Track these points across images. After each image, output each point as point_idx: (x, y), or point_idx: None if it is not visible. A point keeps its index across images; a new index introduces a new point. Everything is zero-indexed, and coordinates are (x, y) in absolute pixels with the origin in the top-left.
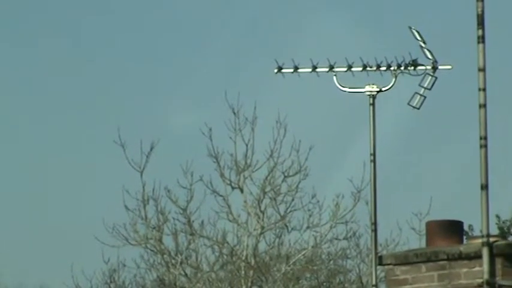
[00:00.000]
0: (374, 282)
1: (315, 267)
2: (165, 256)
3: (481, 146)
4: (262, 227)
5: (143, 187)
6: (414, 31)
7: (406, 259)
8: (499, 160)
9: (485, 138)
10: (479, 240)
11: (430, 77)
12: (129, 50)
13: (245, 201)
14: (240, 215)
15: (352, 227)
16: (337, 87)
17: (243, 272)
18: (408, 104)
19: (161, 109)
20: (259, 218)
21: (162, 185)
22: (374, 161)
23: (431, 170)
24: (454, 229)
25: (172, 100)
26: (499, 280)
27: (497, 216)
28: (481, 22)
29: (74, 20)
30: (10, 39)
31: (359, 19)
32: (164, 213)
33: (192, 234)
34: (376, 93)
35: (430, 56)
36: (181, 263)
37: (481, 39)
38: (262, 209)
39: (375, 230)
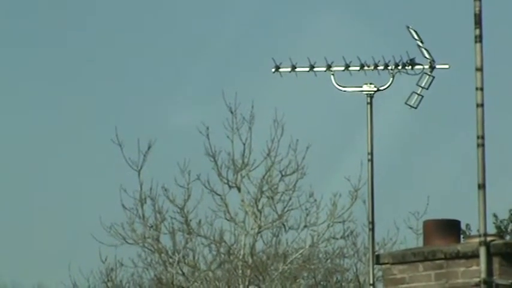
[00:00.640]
0: (371, 282)
1: (312, 266)
2: (162, 255)
3: (478, 145)
4: (260, 226)
5: (141, 186)
6: (412, 30)
7: (404, 258)
8: (496, 159)
9: (483, 137)
10: (477, 240)
11: (427, 77)
12: (127, 50)
13: (242, 200)
14: (238, 214)
15: (349, 226)
16: (335, 86)
17: (240, 271)
18: (406, 103)
19: (159, 108)
20: (256, 217)
21: (160, 184)
22: (371, 160)
23: (428, 169)
24: (451, 228)
25: (170, 99)
26: (496, 279)
27: (495, 216)
28: (478, 21)
29: (74, 19)
30: (7, 37)
31: (356, 18)
32: (161, 212)
33: (189, 233)
34: (373, 92)
35: (427, 56)
36: (178, 262)
37: (478, 38)
38: (260, 208)
39: (372, 229)
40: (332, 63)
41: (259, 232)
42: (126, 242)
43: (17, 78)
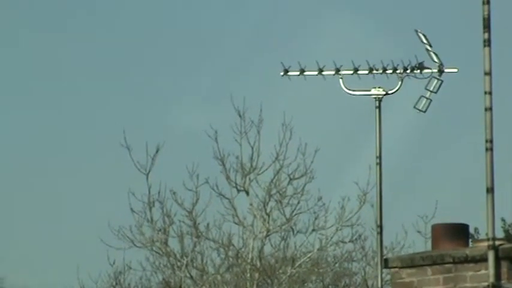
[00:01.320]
0: (380, 285)
1: (321, 270)
2: (170, 258)
3: (486, 149)
4: (268, 230)
5: (149, 189)
6: (420, 34)
7: (412, 262)
8: (505, 163)
9: (491, 141)
10: (485, 244)
11: (436, 80)
12: (136, 52)
13: (251, 204)
14: (246, 218)
15: (357, 229)
16: (343, 90)
17: (248, 275)
18: (414, 107)
19: (167, 111)
20: (264, 220)
21: (168, 187)
22: (380, 163)
23: (437, 173)
24: (459, 232)
25: (178, 102)
26: (504, 283)
27: (503, 220)
28: (487, 25)
29: (79, 20)
30: (13, 37)
31: (365, 22)
32: (170, 216)
33: (197, 236)
34: (382, 96)
35: (436, 59)
36: (186, 265)
37: (487, 42)
38: (268, 211)
39: (381, 233)
40: (341, 67)
41: (267, 236)
42: (135, 245)
43: (25, 80)
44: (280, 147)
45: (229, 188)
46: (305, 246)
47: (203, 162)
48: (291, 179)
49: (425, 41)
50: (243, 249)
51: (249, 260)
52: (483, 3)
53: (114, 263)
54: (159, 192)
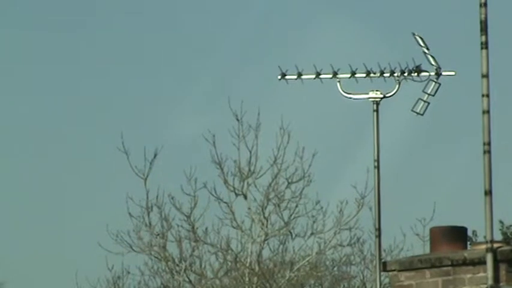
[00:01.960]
0: None
1: (319, 274)
2: (169, 263)
3: (484, 152)
4: (266, 234)
5: (147, 194)
6: (417, 37)
7: (411, 265)
8: (502, 166)
9: (489, 143)
10: (483, 246)
11: (433, 83)
12: (132, 57)
13: (249, 208)
14: (244, 222)
15: (356, 233)
16: (341, 93)
17: (247, 279)
18: (412, 110)
19: (164, 116)
20: (263, 224)
21: (166, 192)
22: (378, 167)
23: (435, 176)
24: (458, 235)
25: (176, 107)
26: (503, 286)
27: (501, 222)
28: (484, 28)
29: (78, 25)
30: (11, 37)
31: (362, 25)
32: (168, 220)
33: (196, 241)
34: (379, 99)
35: (433, 62)
36: (185, 269)
37: (484, 45)
38: (266, 215)
39: (379, 236)
40: (338, 70)
41: (265, 240)
42: (133, 250)
43: (17, 84)
44: (278, 151)
45: (227, 192)
46: (303, 250)
47: (201, 167)
48: (289, 183)
49: (422, 44)
50: (241, 254)
51: (247, 264)
52: (480, 6)
53: (112, 268)
54: (157, 197)
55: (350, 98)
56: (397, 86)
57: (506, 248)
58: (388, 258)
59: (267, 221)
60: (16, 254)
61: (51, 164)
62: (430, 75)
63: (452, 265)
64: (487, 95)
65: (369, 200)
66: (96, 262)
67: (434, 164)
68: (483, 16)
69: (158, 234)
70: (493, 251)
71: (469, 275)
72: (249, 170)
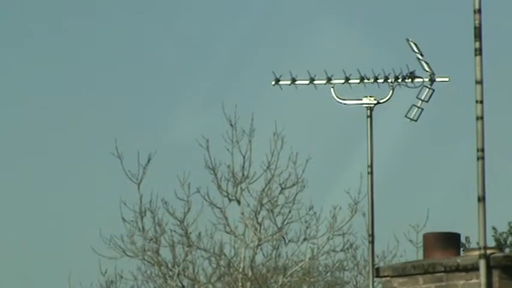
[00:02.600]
0: None
1: (312, 279)
2: (162, 268)
3: (478, 158)
4: (260, 239)
5: (140, 199)
6: (411, 43)
7: (404, 271)
8: (496, 172)
9: (483, 150)
10: (477, 253)
11: (427, 89)
12: (126, 61)
13: (242, 213)
14: (237, 227)
15: (349, 238)
16: (335, 99)
17: (240, 284)
18: (406, 116)
19: (158, 121)
20: (256, 229)
21: (159, 196)
22: (371, 172)
23: (428, 182)
24: (451, 241)
25: (170, 112)
26: None
27: (494, 229)
28: (478, 34)
29: (72, 28)
30: (11, 37)
31: (356, 32)
32: (161, 225)
33: (189, 246)
34: (373, 105)
35: (427, 68)
36: (178, 274)
37: (478, 51)
38: (260, 220)
39: (372, 242)
40: (332, 76)
41: (259, 245)
42: (126, 254)
43: (12, 88)
44: (272, 157)
45: (221, 197)
46: (296, 256)
47: (194, 172)
48: (282, 188)
49: (416, 50)
50: (234, 259)
51: (240, 269)
52: (474, 12)
53: (105, 273)
54: (150, 202)
55: (344, 103)
56: (391, 92)
57: (499, 254)
58: (381, 264)
59: (260, 226)
60: (9, 257)
61: (44, 168)
62: (423, 81)
63: (445, 271)
64: (481, 101)
65: (362, 206)
66: (89, 266)
67: (427, 170)
68: (477, 22)
69: (151, 239)
70: (486, 257)
71: (462, 281)
72: (243, 175)
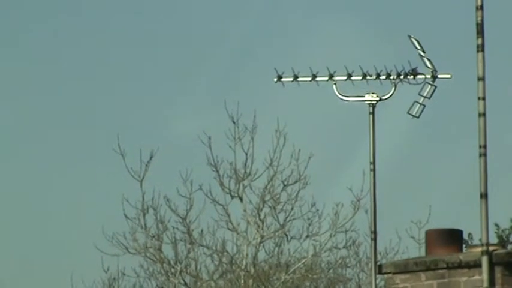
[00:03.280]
0: None
1: (315, 276)
2: (164, 265)
3: (480, 155)
4: (262, 236)
5: (143, 196)
6: (414, 40)
7: (406, 268)
8: (498, 169)
9: (485, 146)
10: (479, 249)
11: (429, 86)
12: (129, 58)
13: (244, 210)
14: (240, 224)
15: (351, 235)
16: (337, 96)
17: (242, 281)
18: (408, 112)
19: (160, 118)
20: (258, 226)
21: (162, 193)
22: (373, 169)
23: (430, 179)
24: (453, 238)
25: (172, 108)
26: None
27: (497, 225)
28: (480, 31)
29: (72, 26)
30: (11, 37)
31: (358, 28)
32: (164, 222)
33: (191, 243)
34: (375, 102)
35: (429, 65)
36: (180, 271)
37: (481, 48)
38: (262, 217)
39: (375, 239)
40: (334, 72)
41: (261, 242)
42: (128, 251)
43: (13, 86)
44: (274, 154)
45: (223, 195)
46: (299, 253)
47: (197, 169)
48: (284, 185)
49: (418, 46)
50: (237, 256)
51: (243, 267)
52: (476, 9)
53: (108, 270)
54: (152, 199)
55: (346, 100)
56: (393, 88)
57: (501, 251)
58: (384, 261)
59: (263, 223)
60: (11, 255)
61: (46, 165)
62: (426, 78)
63: (447, 268)
64: (483, 98)
65: (365, 203)
66: (92, 264)
67: (429, 167)
68: (479, 19)
69: (154, 236)
70: (489, 254)
71: (464, 278)
72: (245, 172)
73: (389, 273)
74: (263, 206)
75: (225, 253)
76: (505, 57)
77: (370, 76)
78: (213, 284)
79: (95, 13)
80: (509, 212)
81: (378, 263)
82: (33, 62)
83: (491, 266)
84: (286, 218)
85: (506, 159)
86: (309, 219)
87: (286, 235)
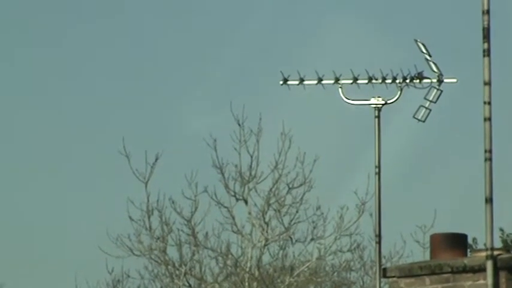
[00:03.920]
0: None
1: (319, 279)
2: (169, 267)
3: (485, 159)
4: (267, 239)
5: (148, 198)
6: (420, 44)
7: (410, 272)
8: (503, 173)
9: (490, 151)
10: (484, 254)
11: (435, 90)
12: (135, 60)
13: (249, 213)
14: (244, 227)
15: (356, 239)
16: (343, 99)
17: (246, 284)
18: (413, 116)
19: (166, 120)
20: (263, 229)
21: (167, 195)
22: (379, 173)
23: (435, 183)
24: (458, 242)
25: (177, 111)
26: None
27: (501, 230)
28: (486, 35)
29: (79, 24)
30: (14, 41)
31: (365, 32)
32: (168, 224)
33: (196, 245)
34: (381, 105)
35: (435, 69)
36: (185, 274)
37: (487, 52)
38: (267, 220)
39: (379, 242)
40: (340, 76)
41: (266, 245)
42: (133, 253)
43: (18, 87)
44: (279, 156)
45: (228, 197)
46: (303, 256)
47: (202, 171)
48: (289, 188)
49: (424, 50)
50: (241, 258)
51: (247, 269)
52: (483, 13)
53: (112, 271)
54: (157, 201)
55: (352, 103)
56: (399, 92)
57: (506, 255)
58: (388, 265)
59: (268, 226)
60: (16, 256)
61: (52, 167)
62: (432, 82)
63: (452, 272)
64: (489, 103)
65: (370, 206)
66: (96, 265)
67: (434, 171)
68: (485, 23)
69: (158, 238)
70: (493, 258)
71: (469, 282)
72: (250, 174)
73: (394, 277)
74: (268, 208)
75: (230, 256)
76: (511, 62)
77: (376, 80)
78: (217, 286)
79: (101, 12)
80: None
81: (383, 267)
82: (40, 61)
83: (496, 270)
84: (291, 221)
85: (511, 164)
86: (313, 222)
87: (291, 238)
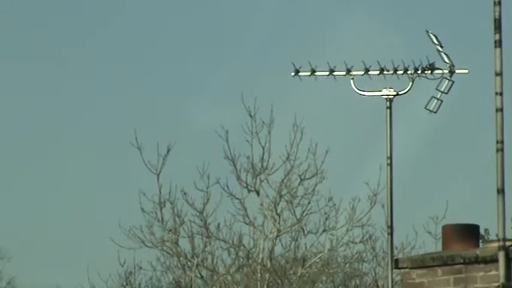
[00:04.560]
0: (390, 286)
1: (331, 271)
2: (181, 258)
3: (497, 150)
4: (279, 230)
5: (160, 189)
6: (431, 35)
7: (423, 263)
8: None
9: (502, 142)
10: (496, 244)
11: (447, 81)
12: (147, 52)
13: (261, 204)
14: (256, 218)
15: (368, 230)
16: (354, 90)
17: (259, 275)
18: (425, 107)
19: (178, 111)
20: (275, 221)
21: (179, 187)
22: (390, 164)
23: (447, 174)
24: (470, 233)
25: (189, 102)
26: None
27: None
28: (498, 26)
29: (92, 21)
30: (24, 37)
31: (376, 23)
32: (180, 216)
33: (208, 236)
34: (393, 96)
35: (447, 60)
36: (197, 265)
37: (498, 43)
38: (279, 212)
39: (391, 234)
40: (352, 67)
41: (278, 236)
42: (145, 245)
43: (32, 79)
44: (291, 148)
45: (240, 188)
46: (315, 247)
47: (214, 163)
48: (301, 180)
49: (436, 41)
50: (253, 250)
51: (259, 261)
52: (494, 4)
53: (124, 263)
54: (169, 192)
55: (363, 95)
56: (411, 83)
57: None
58: (400, 256)
59: (279, 217)
60: (29, 248)
61: (65, 158)
62: (443, 73)
63: (464, 263)
64: (501, 93)
65: (382, 197)
66: (108, 257)
67: (446, 162)
68: (497, 14)
69: (170, 230)
70: (505, 249)
71: (481, 273)
72: (262, 166)
73: (406, 268)
74: (280, 200)
75: (242, 247)
76: None
77: (388, 71)
78: (229, 277)
79: (113, 8)
80: None
81: (395, 258)
82: (56, 57)
83: (508, 261)
84: (303, 212)
85: None
86: (325, 213)
87: (303, 229)
